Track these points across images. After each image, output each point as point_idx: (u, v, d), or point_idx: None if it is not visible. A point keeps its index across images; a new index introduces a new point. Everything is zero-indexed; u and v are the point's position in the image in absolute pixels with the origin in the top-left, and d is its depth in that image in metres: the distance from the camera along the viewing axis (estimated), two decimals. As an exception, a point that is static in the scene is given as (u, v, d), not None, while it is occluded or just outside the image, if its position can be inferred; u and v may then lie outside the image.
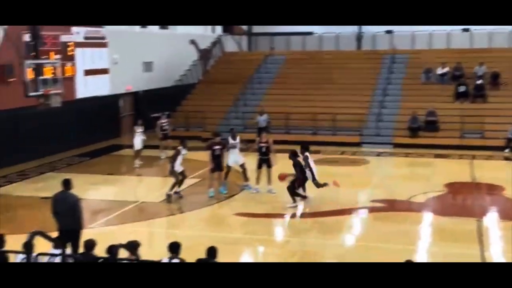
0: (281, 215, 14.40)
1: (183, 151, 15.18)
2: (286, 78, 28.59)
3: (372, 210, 14.76)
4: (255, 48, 36.13)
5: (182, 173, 15.22)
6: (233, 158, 16.06)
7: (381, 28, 31.99)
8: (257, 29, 35.97)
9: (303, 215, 14.45)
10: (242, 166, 16.18)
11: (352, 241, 12.78)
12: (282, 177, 14.73)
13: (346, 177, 18.43)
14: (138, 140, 19.40)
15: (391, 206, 15.18)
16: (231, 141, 16.12)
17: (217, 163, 15.47)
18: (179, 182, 15.20)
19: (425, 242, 12.42)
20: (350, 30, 32.88)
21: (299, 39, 33.95)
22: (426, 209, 14.75)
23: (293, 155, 14.72)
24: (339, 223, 13.66)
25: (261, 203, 15.23)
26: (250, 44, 36.30)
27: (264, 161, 15.88)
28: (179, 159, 15.08)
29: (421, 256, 11.34)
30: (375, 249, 11.74)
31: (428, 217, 14.26)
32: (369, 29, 32.47)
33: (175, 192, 15.20)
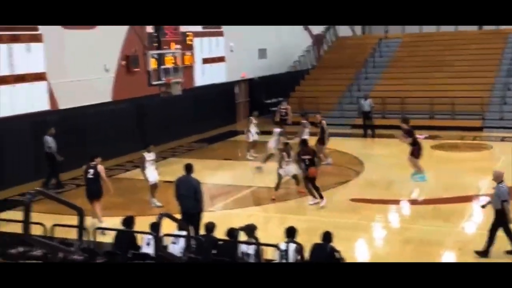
0: (398, 201, 14.17)
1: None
2: (402, 61, 27.83)
3: (495, 197, 14.07)
4: (369, 32, 35.44)
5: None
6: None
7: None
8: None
9: (423, 202, 14.10)
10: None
11: (473, 229, 12.31)
12: (313, 172, 13.83)
13: (468, 163, 17.80)
14: (253, 132, 19.18)
15: (516, 193, 14.38)
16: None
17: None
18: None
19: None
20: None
21: (415, 21, 32.83)
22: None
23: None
24: (460, 210, 13.20)
25: (377, 189, 15.08)
26: (364, 27, 35.65)
27: None
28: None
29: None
30: (498, 238, 11.23)
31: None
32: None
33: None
